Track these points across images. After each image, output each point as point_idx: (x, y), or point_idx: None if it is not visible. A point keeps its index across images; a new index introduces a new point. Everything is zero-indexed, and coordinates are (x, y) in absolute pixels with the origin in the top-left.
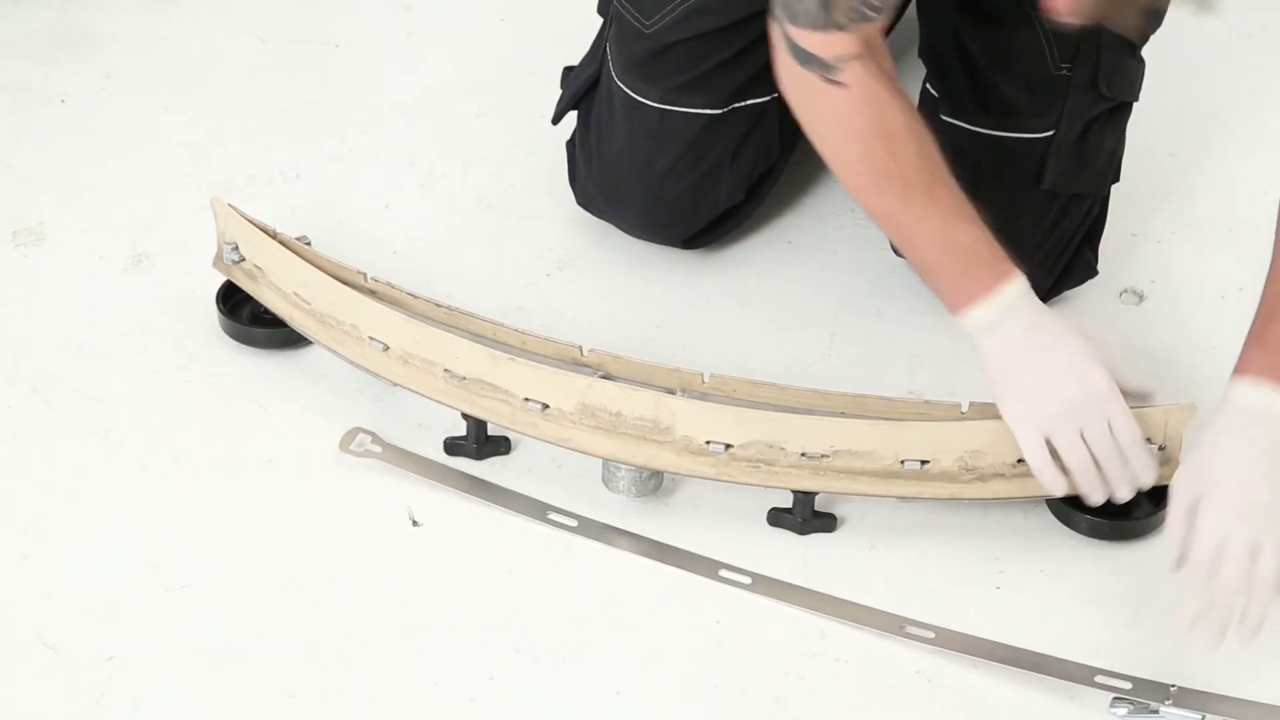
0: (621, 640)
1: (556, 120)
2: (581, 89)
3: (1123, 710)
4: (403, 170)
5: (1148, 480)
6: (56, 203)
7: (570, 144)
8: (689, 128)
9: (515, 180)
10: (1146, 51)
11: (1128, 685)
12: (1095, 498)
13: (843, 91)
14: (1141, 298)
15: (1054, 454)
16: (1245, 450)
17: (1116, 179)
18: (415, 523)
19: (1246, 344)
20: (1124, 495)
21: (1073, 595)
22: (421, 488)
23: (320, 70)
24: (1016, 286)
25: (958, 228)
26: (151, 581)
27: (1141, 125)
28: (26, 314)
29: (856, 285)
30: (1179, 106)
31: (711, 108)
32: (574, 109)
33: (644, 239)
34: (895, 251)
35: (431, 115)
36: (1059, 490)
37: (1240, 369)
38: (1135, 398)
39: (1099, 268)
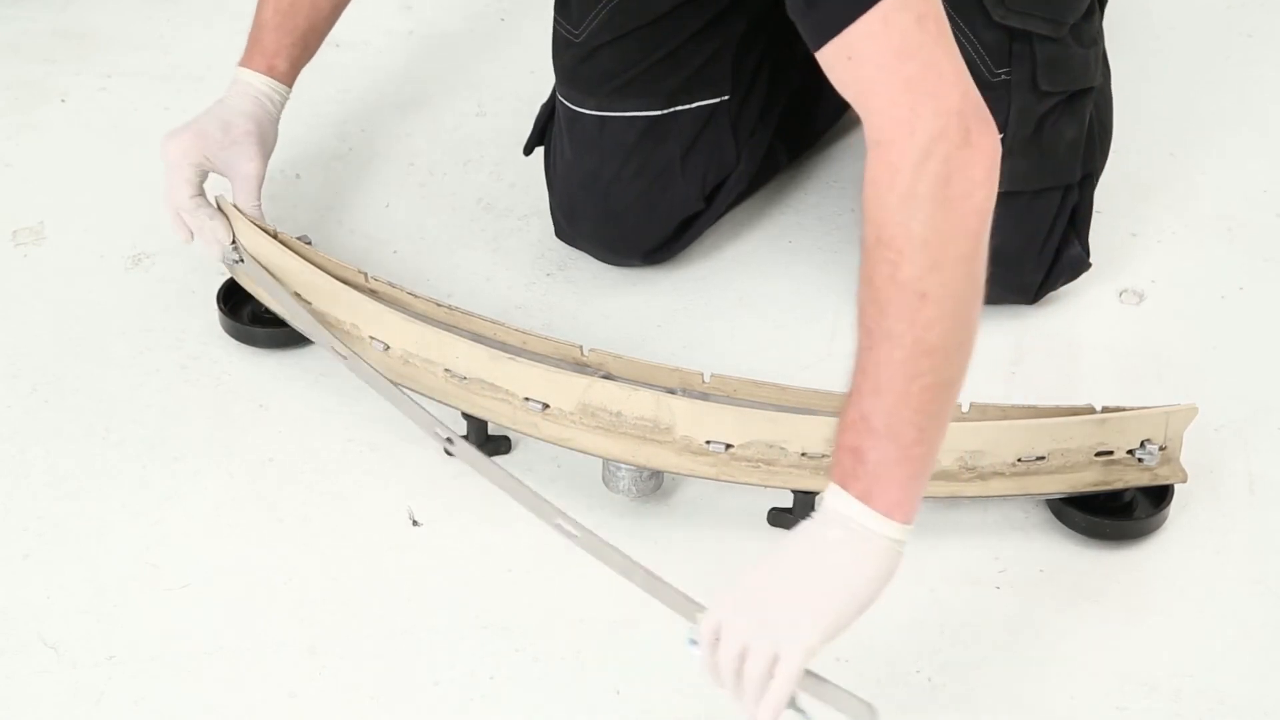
0: (621, 640)
1: (527, 151)
2: (543, 118)
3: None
4: (403, 170)
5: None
6: (56, 203)
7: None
8: (628, 132)
9: (515, 180)
10: (1147, 51)
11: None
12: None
13: None
14: (1141, 298)
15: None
16: (791, 549)
17: (1091, 165)
18: (415, 523)
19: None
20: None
21: (1073, 595)
22: (421, 487)
23: (320, 70)
24: (250, 76)
25: (265, 5)
26: (151, 581)
27: (1141, 125)
28: (26, 314)
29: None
30: (1179, 106)
31: (650, 110)
32: (541, 142)
33: (604, 259)
34: None
35: (431, 115)
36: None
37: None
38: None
39: (1092, 261)
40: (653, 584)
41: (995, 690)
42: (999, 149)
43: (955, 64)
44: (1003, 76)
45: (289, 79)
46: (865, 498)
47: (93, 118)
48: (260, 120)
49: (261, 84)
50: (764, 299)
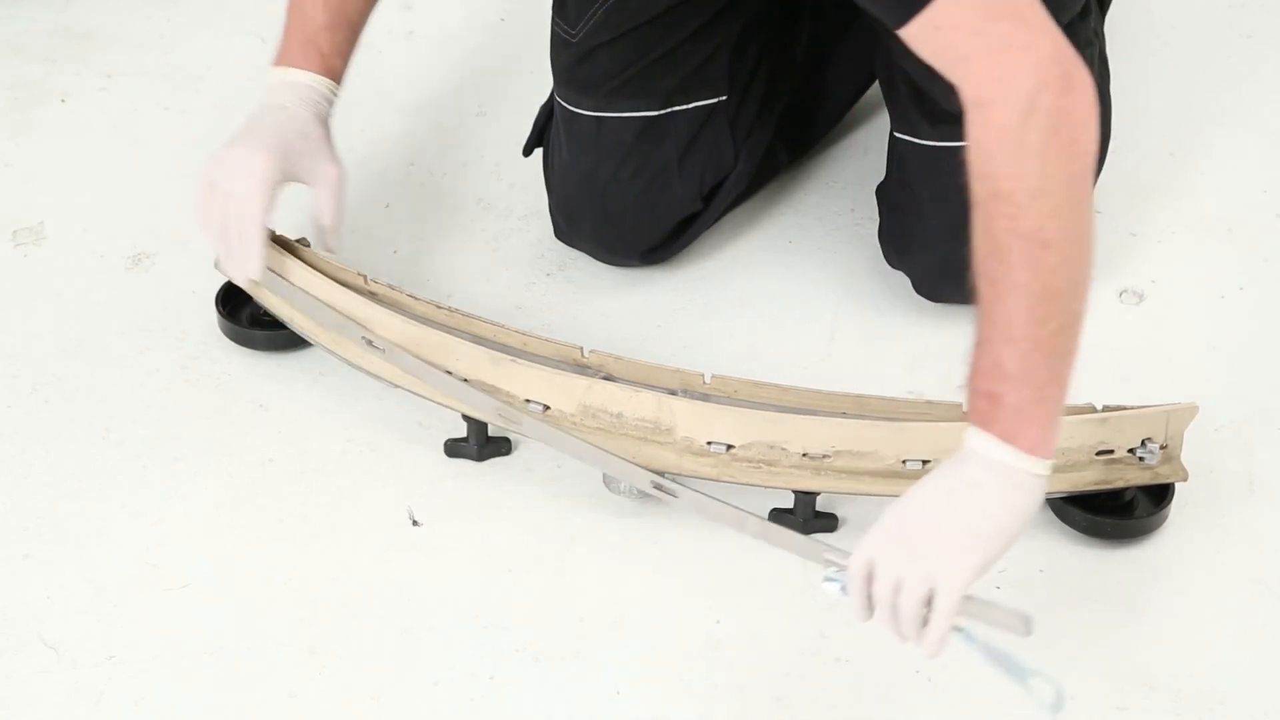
0: (621, 640)
1: (527, 152)
2: (543, 119)
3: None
4: (403, 170)
5: (250, 270)
6: (56, 203)
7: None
8: (625, 132)
9: (515, 180)
10: (1147, 51)
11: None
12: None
13: None
14: (1141, 298)
15: None
16: (933, 486)
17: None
18: (415, 523)
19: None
20: (230, 271)
21: (1073, 595)
22: (421, 488)
23: None
24: (305, 77)
25: (312, 3)
26: (151, 581)
27: (1141, 125)
28: (26, 314)
29: (856, 285)
30: (1179, 106)
31: (647, 110)
32: (540, 144)
33: (606, 261)
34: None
35: (431, 115)
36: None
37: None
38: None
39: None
40: (770, 531)
41: (996, 690)
42: (1094, 85)
43: (1039, 12)
44: None
45: (343, 77)
46: (1009, 438)
47: (93, 118)
48: (326, 123)
49: (323, 86)
50: (764, 299)
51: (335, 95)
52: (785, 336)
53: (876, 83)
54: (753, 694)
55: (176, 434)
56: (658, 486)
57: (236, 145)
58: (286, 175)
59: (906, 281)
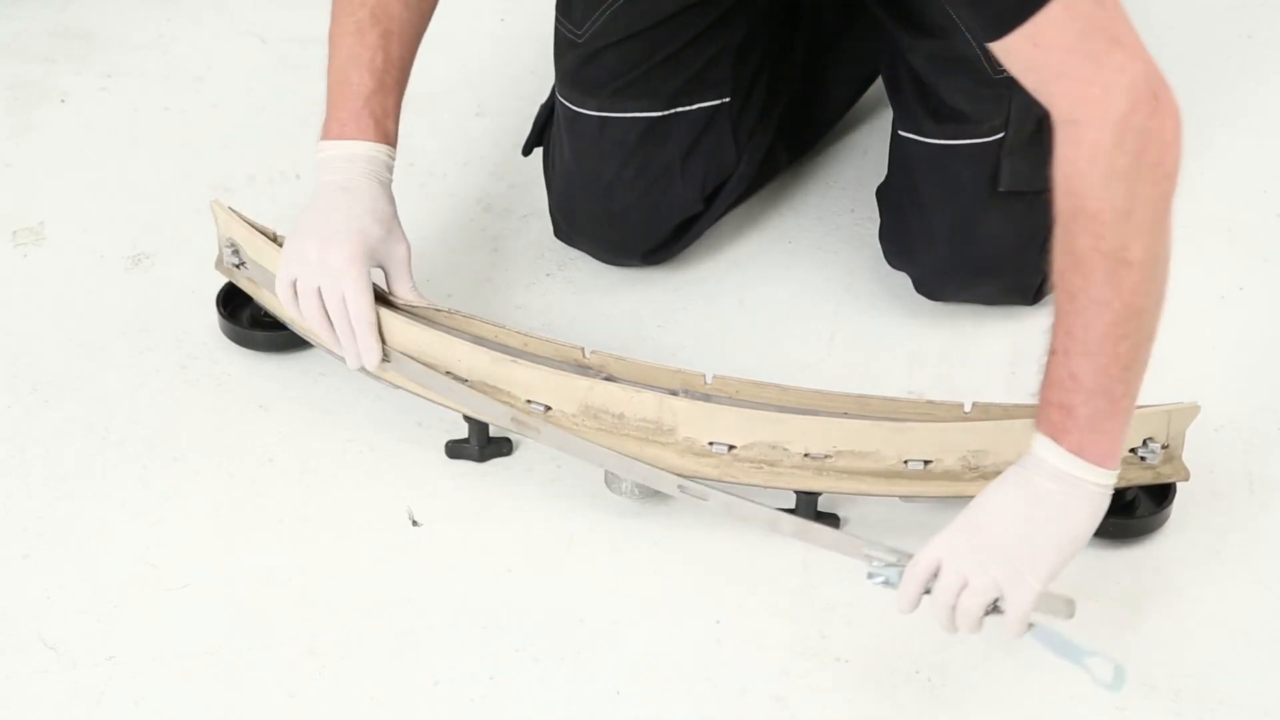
0: (621, 640)
1: (526, 152)
2: (543, 118)
3: (879, 578)
4: (403, 170)
5: (367, 361)
6: (56, 203)
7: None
8: (629, 133)
9: (515, 180)
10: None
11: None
12: (292, 313)
13: None
14: None
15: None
16: (1004, 498)
17: None
18: (415, 523)
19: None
20: (350, 363)
21: (1073, 595)
22: (422, 488)
23: (320, 70)
24: (362, 148)
25: (355, 71)
26: (151, 581)
27: None
28: (26, 314)
29: (856, 285)
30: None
31: (650, 111)
32: (540, 143)
33: (604, 259)
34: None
35: (431, 115)
36: (289, 310)
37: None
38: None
39: None
40: (807, 530)
41: (995, 690)
42: (1178, 104)
43: (1132, 33)
44: (1004, 73)
45: (397, 139)
46: (1079, 451)
47: (93, 118)
48: (390, 191)
49: (382, 153)
50: (764, 299)
51: (394, 159)
52: (785, 337)
53: (875, 83)
54: (753, 694)
55: (176, 434)
56: (683, 489)
57: (315, 239)
58: (371, 263)
59: (906, 281)
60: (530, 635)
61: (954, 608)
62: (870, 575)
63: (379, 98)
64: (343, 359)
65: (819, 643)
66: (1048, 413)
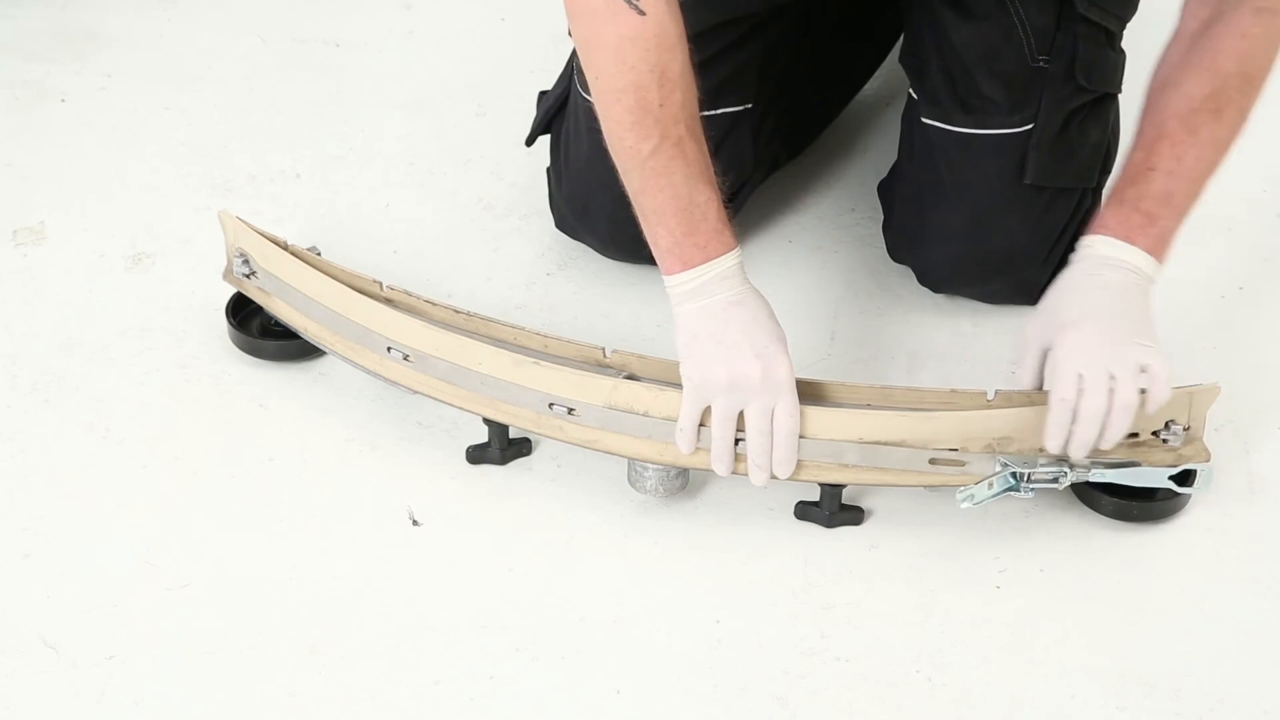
0: (621, 640)
1: (530, 142)
2: (552, 109)
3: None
4: (403, 170)
5: (782, 472)
6: (56, 203)
7: (549, 168)
8: None
9: (515, 180)
10: (1148, 50)
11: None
12: (721, 470)
13: (638, 18)
14: None
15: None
16: (1096, 294)
17: (1108, 171)
18: (415, 522)
19: (1103, 207)
20: (757, 480)
21: (1073, 594)
22: (422, 487)
23: (320, 70)
24: (731, 259)
25: (697, 188)
26: (151, 581)
27: None
28: (26, 314)
29: (856, 285)
30: None
31: None
32: (547, 131)
33: (614, 257)
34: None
35: (431, 115)
36: (685, 450)
37: (1093, 228)
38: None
39: None
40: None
41: (995, 690)
42: None
43: None
44: (1041, 63)
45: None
46: (1152, 251)
47: (93, 118)
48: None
49: (738, 256)
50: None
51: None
52: (786, 335)
53: (871, 84)
54: (753, 694)
55: (176, 434)
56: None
57: (754, 361)
58: None
59: (907, 281)
60: (530, 635)
61: (1104, 412)
62: (961, 499)
63: (717, 206)
64: (361, 369)
65: (819, 643)
66: (1129, 215)
